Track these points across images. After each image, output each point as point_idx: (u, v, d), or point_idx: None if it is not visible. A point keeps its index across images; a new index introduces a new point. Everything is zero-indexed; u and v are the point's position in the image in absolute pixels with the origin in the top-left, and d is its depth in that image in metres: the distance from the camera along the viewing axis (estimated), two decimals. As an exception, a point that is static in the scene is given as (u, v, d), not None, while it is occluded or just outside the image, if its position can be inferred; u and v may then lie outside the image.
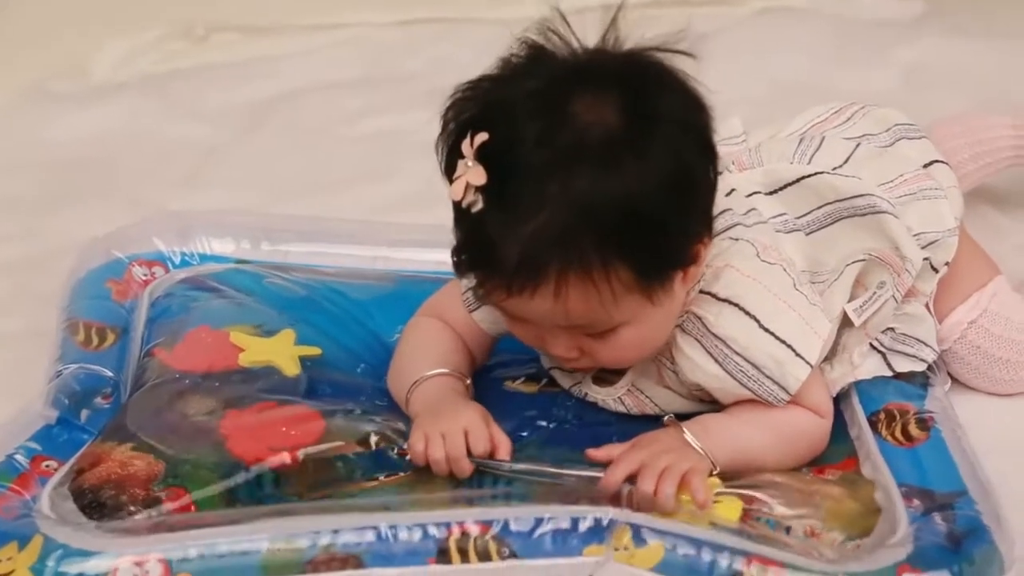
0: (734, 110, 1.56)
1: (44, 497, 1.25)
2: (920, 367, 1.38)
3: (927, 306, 1.39)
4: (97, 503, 1.24)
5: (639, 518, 1.19)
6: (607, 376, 1.34)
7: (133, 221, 1.61)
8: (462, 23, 2.18)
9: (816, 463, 1.31)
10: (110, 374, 1.42)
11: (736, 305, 1.26)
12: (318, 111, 2.05)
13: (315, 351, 1.42)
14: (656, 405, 1.33)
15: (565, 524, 1.18)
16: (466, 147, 1.17)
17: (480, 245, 1.18)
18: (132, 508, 1.23)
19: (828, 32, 1.77)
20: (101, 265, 1.55)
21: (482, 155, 1.16)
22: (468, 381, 1.34)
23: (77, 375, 1.41)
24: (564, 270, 1.16)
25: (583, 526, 1.18)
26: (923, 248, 1.35)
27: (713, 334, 1.26)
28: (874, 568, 1.16)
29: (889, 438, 1.33)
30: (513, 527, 1.18)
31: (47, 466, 1.30)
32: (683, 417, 1.29)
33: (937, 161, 1.42)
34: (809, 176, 1.36)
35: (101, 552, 1.17)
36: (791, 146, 1.40)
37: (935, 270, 1.37)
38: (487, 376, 1.41)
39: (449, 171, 1.20)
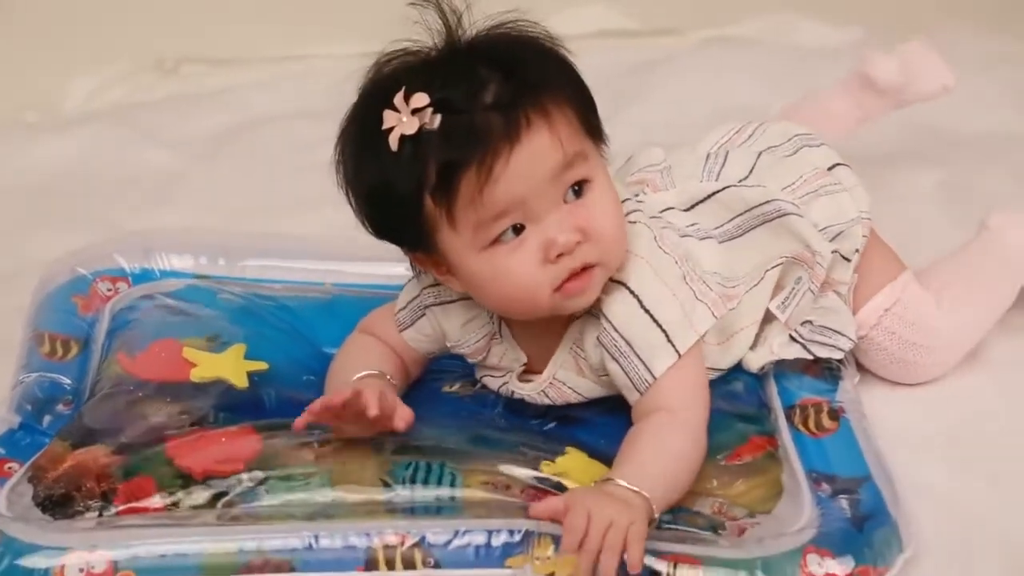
0: (679, 135, 1.62)
1: (2, 497, 1.30)
2: (838, 355, 1.44)
3: (846, 297, 1.46)
4: (52, 499, 1.29)
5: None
6: (531, 376, 1.40)
7: (98, 241, 1.67)
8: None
9: (731, 445, 1.35)
10: (69, 383, 1.48)
11: (623, 284, 1.33)
12: (279, 140, 2.09)
13: (262, 366, 1.46)
14: (577, 393, 1.39)
15: (481, 538, 1.23)
16: (399, 96, 1.23)
17: (459, 139, 1.23)
18: (86, 503, 1.29)
19: (770, 60, 1.81)
20: (67, 281, 1.61)
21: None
22: (391, 379, 1.40)
23: (40, 382, 1.47)
24: (536, 101, 1.25)
25: (497, 540, 1.23)
26: (831, 240, 1.43)
27: (603, 312, 1.33)
28: (782, 551, 1.21)
29: (802, 428, 1.39)
30: (430, 539, 1.23)
31: (9, 468, 1.36)
32: (603, 402, 1.38)
33: (839, 164, 1.49)
34: (719, 191, 1.44)
35: (49, 547, 1.22)
36: (698, 165, 1.48)
37: (847, 259, 1.45)
38: (424, 383, 1.47)
39: (370, 150, 1.26)
